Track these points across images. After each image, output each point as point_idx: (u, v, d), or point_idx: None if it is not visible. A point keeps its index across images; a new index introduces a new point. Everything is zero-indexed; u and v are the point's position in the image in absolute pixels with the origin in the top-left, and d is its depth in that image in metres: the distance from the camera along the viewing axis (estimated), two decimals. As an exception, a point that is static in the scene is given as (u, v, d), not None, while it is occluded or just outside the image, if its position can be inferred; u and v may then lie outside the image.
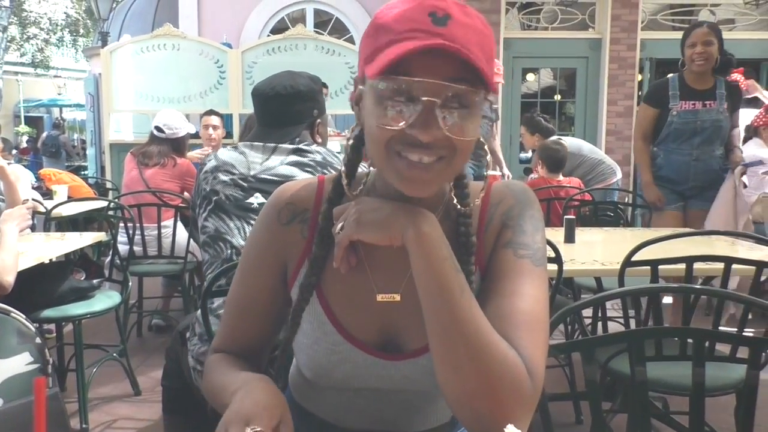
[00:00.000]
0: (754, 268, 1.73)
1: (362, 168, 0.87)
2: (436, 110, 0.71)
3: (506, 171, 4.58)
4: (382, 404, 0.90)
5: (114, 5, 8.82)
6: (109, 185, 5.73)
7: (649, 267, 1.74)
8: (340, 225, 0.79)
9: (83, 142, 14.03)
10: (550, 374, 2.65)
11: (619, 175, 4.68)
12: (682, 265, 1.72)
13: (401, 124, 0.72)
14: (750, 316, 1.12)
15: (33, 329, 0.66)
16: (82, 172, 10.43)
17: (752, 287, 1.71)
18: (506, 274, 0.80)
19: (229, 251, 1.56)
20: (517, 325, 0.75)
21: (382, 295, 0.82)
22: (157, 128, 3.73)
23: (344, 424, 0.92)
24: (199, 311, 1.48)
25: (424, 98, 0.70)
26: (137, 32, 8.30)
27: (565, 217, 2.50)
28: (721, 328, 1.62)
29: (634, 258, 1.77)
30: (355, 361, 0.85)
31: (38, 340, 0.65)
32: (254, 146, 1.65)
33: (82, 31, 19.21)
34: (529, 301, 0.78)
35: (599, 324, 2.20)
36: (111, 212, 3.53)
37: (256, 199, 1.57)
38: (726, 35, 7.31)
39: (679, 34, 8.41)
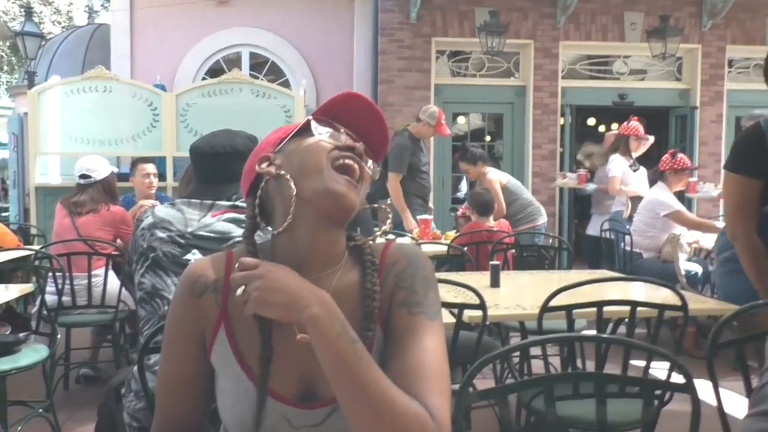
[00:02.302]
0: (657, 310, 1.91)
1: (258, 237, 0.99)
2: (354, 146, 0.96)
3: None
4: None
5: (43, 43, 8.63)
6: (34, 231, 5.53)
7: (564, 311, 1.89)
8: (241, 289, 0.85)
9: (3, 182, 13.44)
10: (481, 414, 2.76)
11: (545, 218, 4.96)
12: (594, 309, 1.88)
13: (336, 144, 0.95)
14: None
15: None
16: (3, 214, 10.00)
17: (654, 329, 1.89)
18: (405, 331, 0.91)
19: (166, 307, 1.59)
20: (421, 377, 0.86)
21: (301, 335, 0.86)
22: (82, 176, 3.68)
23: None
24: (135, 367, 1.50)
25: (347, 136, 0.97)
26: (66, 72, 8.13)
27: (491, 263, 2.65)
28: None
29: (553, 303, 1.92)
30: (276, 413, 0.92)
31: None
32: (192, 203, 1.70)
33: (6, 68, 18.57)
34: (429, 354, 0.89)
35: (525, 364, 2.32)
36: (38, 261, 3.44)
37: (194, 256, 1.62)
38: (637, 84, 7.94)
39: (595, 83, 8.90)
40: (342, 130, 0.98)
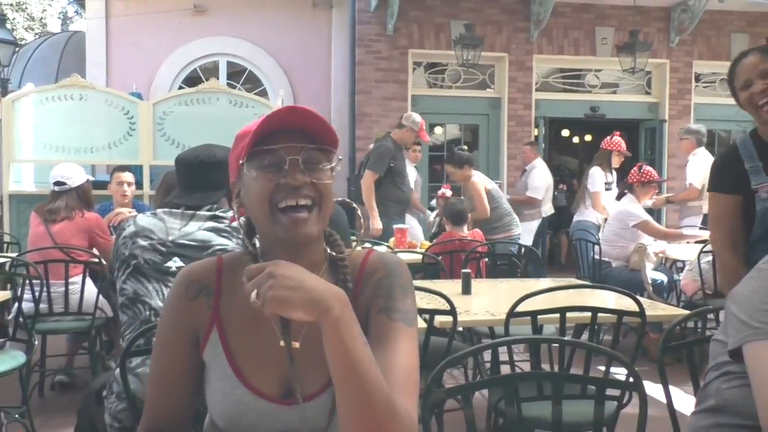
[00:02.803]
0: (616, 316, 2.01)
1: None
2: (300, 165, 0.95)
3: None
4: None
5: (16, 50, 8.56)
6: (7, 239, 5.49)
7: (530, 317, 1.98)
8: (254, 294, 0.84)
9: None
10: (451, 417, 2.83)
11: (520, 228, 5.09)
12: (557, 315, 1.98)
13: (277, 181, 0.95)
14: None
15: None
16: (-26, 222, 9.82)
17: (614, 333, 2.00)
18: (384, 335, 0.98)
19: (147, 312, 1.65)
20: (396, 378, 0.93)
21: (284, 342, 0.90)
22: (57, 183, 3.69)
23: None
24: (117, 370, 1.55)
25: (289, 157, 0.95)
26: (40, 79, 8.07)
27: (462, 271, 2.74)
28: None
29: (519, 309, 2.01)
30: (259, 410, 0.99)
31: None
32: (173, 213, 1.77)
33: (-23, 73, 18.28)
34: (405, 358, 0.95)
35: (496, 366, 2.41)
36: (14, 269, 3.44)
37: (174, 263, 1.68)
38: (609, 98, 8.16)
39: (568, 96, 9.06)
40: (282, 151, 0.95)
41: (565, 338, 1.27)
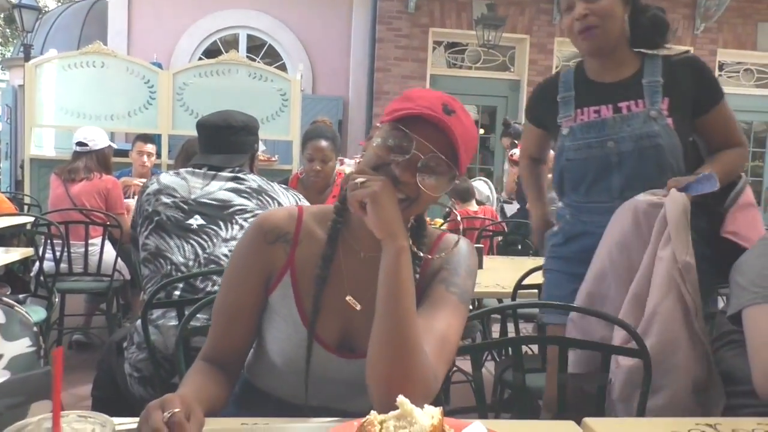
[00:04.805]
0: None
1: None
2: (418, 163, 0.97)
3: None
4: (334, 389, 1.09)
5: (40, 16, 8.62)
6: (27, 200, 5.59)
7: (536, 290, 2.02)
8: (361, 179, 0.96)
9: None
10: (458, 389, 2.89)
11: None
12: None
13: (390, 157, 0.98)
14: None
15: (31, 320, 0.80)
16: (-6, 185, 9.99)
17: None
18: (436, 301, 1.04)
19: (168, 267, 1.69)
20: (433, 340, 0.98)
21: (350, 298, 1.04)
22: (79, 143, 3.77)
23: (301, 402, 1.10)
24: (138, 321, 1.61)
25: (414, 151, 0.97)
26: (63, 46, 8.14)
27: (475, 246, 2.76)
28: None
29: (528, 282, 2.05)
30: (318, 355, 1.06)
31: (35, 328, 0.80)
32: (195, 173, 1.81)
33: (0, 39, 18.43)
34: (447, 326, 1.01)
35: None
36: (35, 228, 3.52)
37: (196, 221, 1.72)
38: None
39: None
40: (415, 143, 0.98)
41: (571, 305, 1.30)
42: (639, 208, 1.48)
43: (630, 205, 1.51)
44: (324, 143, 2.67)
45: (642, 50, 1.71)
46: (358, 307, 1.06)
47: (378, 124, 1.03)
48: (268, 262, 1.09)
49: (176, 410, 0.80)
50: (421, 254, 1.06)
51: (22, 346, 0.79)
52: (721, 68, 8.09)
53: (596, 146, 1.65)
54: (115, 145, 4.19)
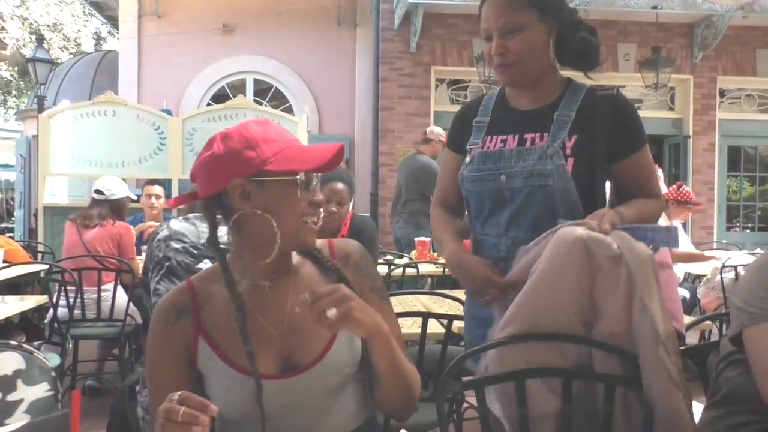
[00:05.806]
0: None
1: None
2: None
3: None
4: (294, 418, 1.11)
5: (53, 68, 8.88)
6: (41, 248, 5.68)
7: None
8: (332, 312, 0.97)
9: (7, 202, 13.64)
10: (470, 426, 2.86)
11: None
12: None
13: (308, 200, 1.11)
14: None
15: (49, 365, 0.84)
16: (8, 234, 10.14)
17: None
18: (379, 312, 1.09)
19: (179, 311, 1.74)
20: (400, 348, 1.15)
21: (300, 307, 1.00)
22: (97, 191, 3.86)
23: None
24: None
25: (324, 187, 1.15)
26: (75, 96, 8.37)
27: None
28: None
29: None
30: (269, 390, 1.08)
31: (53, 373, 0.84)
32: (204, 218, 1.87)
33: (14, 92, 18.93)
34: (396, 326, 1.21)
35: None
36: (49, 276, 3.58)
37: (205, 265, 1.77)
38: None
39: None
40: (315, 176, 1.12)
41: (575, 335, 1.31)
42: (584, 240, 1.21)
43: (568, 237, 1.22)
44: (341, 186, 2.61)
45: (569, 77, 1.58)
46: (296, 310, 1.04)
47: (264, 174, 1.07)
48: (180, 340, 1.12)
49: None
50: (330, 264, 1.17)
51: (41, 390, 0.83)
52: (722, 95, 8.16)
53: (489, 179, 1.53)
54: (133, 196, 4.29)
